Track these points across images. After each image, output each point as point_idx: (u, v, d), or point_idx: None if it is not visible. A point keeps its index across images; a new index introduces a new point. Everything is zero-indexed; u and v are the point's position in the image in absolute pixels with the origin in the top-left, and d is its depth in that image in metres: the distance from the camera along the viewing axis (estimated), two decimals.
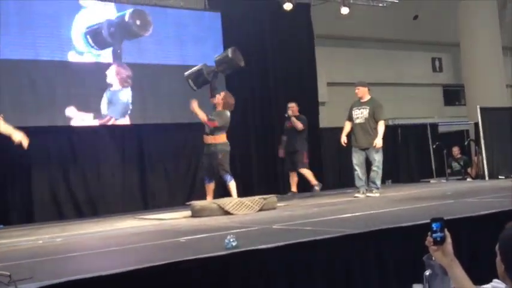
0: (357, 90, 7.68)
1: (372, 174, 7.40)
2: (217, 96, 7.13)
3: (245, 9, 10.23)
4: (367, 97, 7.60)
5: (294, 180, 8.69)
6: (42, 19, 8.27)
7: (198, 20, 9.73)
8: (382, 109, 7.57)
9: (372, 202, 6.35)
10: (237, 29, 10.06)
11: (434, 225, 2.26)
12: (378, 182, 7.43)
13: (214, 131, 6.92)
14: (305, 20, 11.07)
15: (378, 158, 7.34)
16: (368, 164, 7.53)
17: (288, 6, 10.05)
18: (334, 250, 3.35)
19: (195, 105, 6.91)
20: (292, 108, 8.65)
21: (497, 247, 2.19)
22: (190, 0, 9.59)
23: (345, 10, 10.54)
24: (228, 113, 7.04)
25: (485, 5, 12.78)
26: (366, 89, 7.63)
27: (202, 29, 9.70)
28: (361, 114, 7.50)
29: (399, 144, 11.92)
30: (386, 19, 12.76)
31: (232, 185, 6.93)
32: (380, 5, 11.29)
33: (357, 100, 7.68)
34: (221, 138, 6.95)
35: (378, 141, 7.28)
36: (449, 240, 2.25)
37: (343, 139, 7.65)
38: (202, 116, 6.92)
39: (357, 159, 7.46)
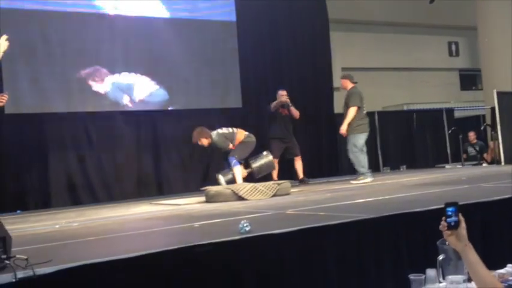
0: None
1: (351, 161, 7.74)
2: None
3: None
4: (347, 88, 8.01)
5: (298, 165, 8.70)
6: None
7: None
8: (354, 96, 7.82)
9: (385, 188, 6.33)
10: (251, 15, 10.03)
11: (448, 210, 2.26)
12: (360, 169, 7.61)
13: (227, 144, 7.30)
14: (319, 4, 11.00)
15: (349, 145, 7.68)
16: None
17: None
18: (347, 235, 3.36)
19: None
20: (285, 95, 8.53)
21: None
22: None
23: None
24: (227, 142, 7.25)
25: None
26: (346, 81, 8.03)
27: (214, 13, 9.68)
28: (344, 105, 7.95)
29: (414, 130, 11.85)
30: (402, 3, 12.64)
31: (237, 170, 7.00)
32: None
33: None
34: (237, 140, 7.30)
35: (342, 127, 7.66)
36: (463, 225, 2.25)
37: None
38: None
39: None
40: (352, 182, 7.55)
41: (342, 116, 10.97)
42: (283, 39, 10.59)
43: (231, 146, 7.19)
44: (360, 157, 7.61)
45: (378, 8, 12.65)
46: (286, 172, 8.74)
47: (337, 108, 11.29)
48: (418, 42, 14.69)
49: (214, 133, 7.26)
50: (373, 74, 14.17)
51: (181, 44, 9.27)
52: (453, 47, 15.67)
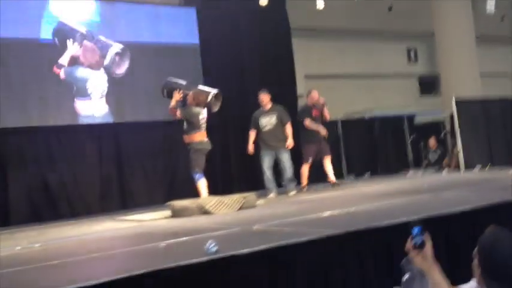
0: (262, 97, 8.23)
1: (289, 173, 8.07)
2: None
3: (221, 5, 10.17)
4: (270, 104, 8.18)
5: (329, 167, 8.61)
6: None
7: (173, 16, 9.63)
8: (287, 112, 8.22)
9: (350, 198, 6.40)
10: (212, 24, 10.01)
11: (414, 230, 2.28)
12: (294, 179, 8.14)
13: (188, 130, 6.97)
14: (281, 13, 11.05)
15: (288, 157, 8.03)
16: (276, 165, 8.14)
17: (263, 1, 10.02)
18: (314, 252, 3.37)
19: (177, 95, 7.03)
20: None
21: (475, 250, 2.22)
22: None
23: (320, 4, 10.54)
24: (196, 109, 6.98)
25: None
26: (269, 97, 8.20)
27: (177, 25, 9.62)
28: (268, 122, 8.08)
29: (376, 136, 12.02)
30: (361, 10, 12.82)
31: (200, 184, 6.89)
32: None
33: (260, 110, 8.22)
34: (195, 137, 6.95)
35: (291, 141, 7.99)
36: (429, 244, 2.28)
37: (251, 148, 8.10)
38: (173, 102, 6.99)
39: (268, 162, 8.04)
40: (291, 194, 7.93)
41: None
42: (245, 48, 10.59)
43: (189, 135, 6.96)
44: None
45: (338, 15, 12.78)
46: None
47: None
48: (378, 49, 14.91)
49: (195, 108, 7.03)
50: (334, 81, 14.31)
51: (144, 66, 9.13)
52: (412, 53, 15.96)
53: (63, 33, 8.54)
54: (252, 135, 8.17)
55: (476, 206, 4.10)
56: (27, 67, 8.19)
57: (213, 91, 7.20)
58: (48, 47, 8.40)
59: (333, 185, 8.46)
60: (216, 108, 7.33)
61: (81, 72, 8.62)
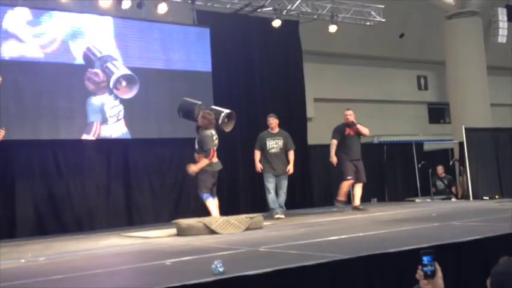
0: (271, 121, 8.35)
1: (283, 198, 8.16)
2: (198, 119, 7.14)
3: (234, 25, 10.27)
4: (277, 128, 8.36)
5: (358, 191, 8.41)
6: None
7: (186, 35, 9.71)
8: (292, 140, 8.41)
9: (358, 223, 6.34)
10: (225, 45, 10.09)
11: (425, 259, 2.25)
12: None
13: (199, 150, 7.00)
14: (293, 37, 11.12)
15: (286, 184, 8.20)
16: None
17: (276, 23, 10.13)
18: (322, 276, 3.33)
19: (192, 169, 6.94)
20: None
21: (488, 282, 2.19)
22: (178, 15, 9.56)
23: (333, 28, 10.64)
24: (207, 131, 6.97)
25: (471, 24, 12.96)
26: (278, 121, 8.37)
27: (190, 44, 9.69)
28: (275, 145, 8.21)
29: (385, 162, 11.97)
30: (373, 37, 12.88)
31: (208, 203, 6.88)
32: (367, 23, 11.39)
33: (267, 131, 8.38)
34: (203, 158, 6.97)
35: (291, 168, 8.16)
36: (440, 274, 2.24)
37: (259, 167, 8.20)
38: (202, 164, 6.90)
39: (272, 184, 8.15)
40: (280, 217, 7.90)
41: (316, 147, 11.20)
42: (257, 70, 10.65)
43: (204, 157, 6.89)
44: None
45: (350, 41, 12.87)
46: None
47: (311, 139, 11.37)
48: (388, 75, 14.97)
49: (208, 130, 6.97)
50: (344, 106, 14.28)
51: (155, 88, 9.17)
52: (422, 81, 16.00)
53: (87, 56, 8.66)
54: (258, 154, 8.26)
55: (487, 236, 4.05)
56: (38, 84, 8.24)
57: (226, 111, 7.21)
58: (62, 67, 8.45)
59: (355, 208, 8.30)
60: (228, 129, 7.35)
61: (92, 98, 8.66)
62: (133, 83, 8.98)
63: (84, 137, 8.56)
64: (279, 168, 8.17)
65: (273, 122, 8.36)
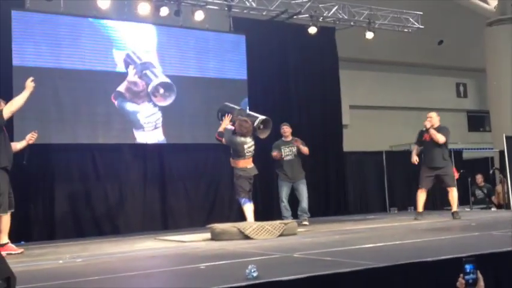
0: (285, 129, 8.47)
1: (305, 204, 8.25)
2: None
3: (270, 32, 10.29)
4: (290, 136, 8.47)
5: (424, 198, 7.99)
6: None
7: (222, 42, 9.77)
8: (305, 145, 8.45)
9: (395, 232, 6.24)
10: (261, 52, 10.12)
11: (467, 267, 2.20)
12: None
13: (233, 155, 7.06)
14: (329, 44, 11.08)
15: (306, 189, 8.32)
16: (293, 195, 8.40)
17: (312, 30, 10.10)
18: (356, 284, 3.28)
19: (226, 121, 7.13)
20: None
21: None
22: (215, 23, 9.64)
23: (369, 35, 10.55)
24: (240, 138, 6.97)
25: None
26: (291, 129, 8.50)
27: (226, 50, 9.75)
28: (290, 152, 8.32)
29: None
30: (410, 44, 12.73)
31: (246, 208, 6.93)
32: (405, 30, 11.25)
33: (281, 139, 8.47)
34: (239, 163, 7.01)
35: (304, 146, 8.28)
36: (481, 283, 2.19)
37: (278, 154, 8.31)
38: (221, 128, 7.11)
39: (286, 192, 8.31)
40: (305, 223, 8.01)
41: (352, 154, 11.06)
42: (292, 76, 10.65)
43: (233, 159, 6.99)
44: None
45: (387, 48, 12.74)
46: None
47: (346, 146, 11.28)
48: (426, 82, 14.75)
49: (240, 138, 6.97)
50: (380, 113, 14.20)
51: (191, 94, 9.28)
52: (461, 88, 15.72)
53: (127, 63, 8.84)
54: (276, 154, 8.36)
55: None
56: (77, 91, 8.43)
57: (261, 117, 7.22)
58: (101, 74, 8.64)
59: (453, 213, 7.85)
60: (263, 135, 7.35)
61: (129, 105, 8.81)
62: (170, 90, 9.09)
63: (121, 141, 8.70)
64: (294, 175, 8.32)
65: (287, 130, 8.49)
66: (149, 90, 8.93)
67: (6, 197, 5.73)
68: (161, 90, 9.05)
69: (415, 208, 8.20)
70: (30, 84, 5.74)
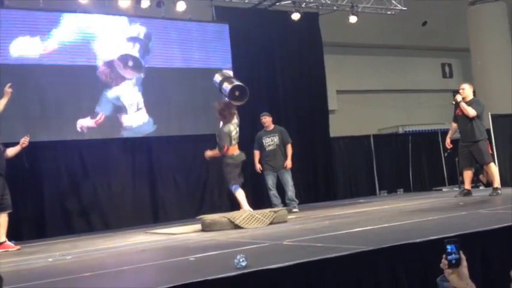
0: (264, 120, 8.40)
1: (291, 193, 8.26)
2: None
3: (253, 20, 10.24)
4: (272, 125, 8.45)
5: (469, 176, 7.67)
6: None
7: (205, 32, 9.72)
8: (288, 134, 8.46)
9: (383, 214, 6.28)
10: (245, 40, 10.07)
11: (449, 247, 2.21)
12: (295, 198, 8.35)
13: (220, 146, 7.02)
14: (313, 29, 11.06)
15: (290, 178, 8.30)
16: (280, 184, 8.38)
17: (295, 16, 10.07)
18: (346, 268, 3.30)
19: (208, 153, 7.19)
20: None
21: None
22: (197, 13, 9.58)
23: (353, 19, 10.53)
24: (227, 127, 6.93)
25: (495, 9, 12.71)
26: (271, 118, 8.48)
27: (210, 40, 9.70)
28: (271, 142, 8.33)
29: (410, 152, 11.84)
30: (395, 26, 12.71)
31: (238, 194, 6.94)
32: (388, 12, 11.24)
33: (263, 130, 8.48)
34: (226, 152, 6.97)
35: (289, 162, 8.25)
36: (464, 263, 2.19)
37: (258, 167, 8.38)
38: (216, 152, 7.06)
39: (272, 180, 8.33)
40: (294, 210, 8.05)
41: (339, 139, 11.08)
42: (277, 63, 10.63)
43: (219, 150, 6.95)
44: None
45: (371, 31, 12.72)
46: None
47: (335, 131, 11.30)
48: (412, 64, 14.77)
49: (227, 126, 6.93)
50: (368, 97, 14.21)
51: (178, 88, 9.26)
52: (446, 69, 15.75)
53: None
54: (257, 154, 8.41)
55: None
56: (60, 86, 8.39)
57: (236, 83, 7.10)
58: (81, 69, 8.59)
59: (494, 189, 7.48)
60: (238, 103, 7.14)
61: (110, 92, 8.79)
62: (139, 66, 9.05)
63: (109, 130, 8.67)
64: (277, 164, 8.32)
65: (266, 120, 8.46)
66: (117, 58, 8.85)
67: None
68: (130, 63, 8.98)
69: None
70: (8, 90, 5.86)
